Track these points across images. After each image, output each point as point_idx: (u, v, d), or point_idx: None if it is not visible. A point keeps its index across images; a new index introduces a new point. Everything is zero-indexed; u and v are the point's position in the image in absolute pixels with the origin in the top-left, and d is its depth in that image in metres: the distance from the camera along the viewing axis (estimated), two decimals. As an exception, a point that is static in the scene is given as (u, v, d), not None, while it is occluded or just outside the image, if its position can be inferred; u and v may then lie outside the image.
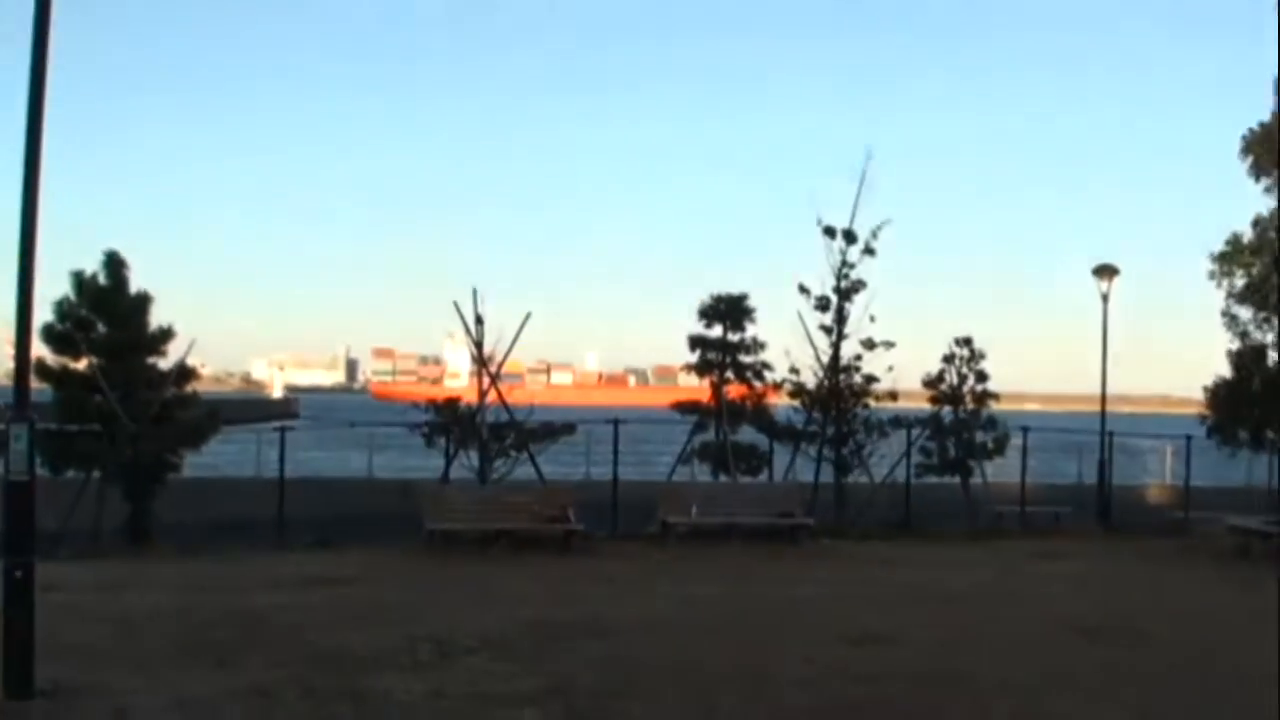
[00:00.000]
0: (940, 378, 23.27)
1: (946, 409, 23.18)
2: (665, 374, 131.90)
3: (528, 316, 20.33)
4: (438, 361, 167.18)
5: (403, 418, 20.62)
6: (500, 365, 21.11)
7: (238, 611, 12.08)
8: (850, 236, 22.03)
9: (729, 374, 21.83)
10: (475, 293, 19.99)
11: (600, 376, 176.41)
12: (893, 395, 22.10)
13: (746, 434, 21.98)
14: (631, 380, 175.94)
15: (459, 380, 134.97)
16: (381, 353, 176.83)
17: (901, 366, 21.94)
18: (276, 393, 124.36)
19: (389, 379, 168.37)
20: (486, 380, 20.33)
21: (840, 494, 21.75)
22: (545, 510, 18.26)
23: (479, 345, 20.23)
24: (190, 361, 19.01)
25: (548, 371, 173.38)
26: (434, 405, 20.25)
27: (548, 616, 11.98)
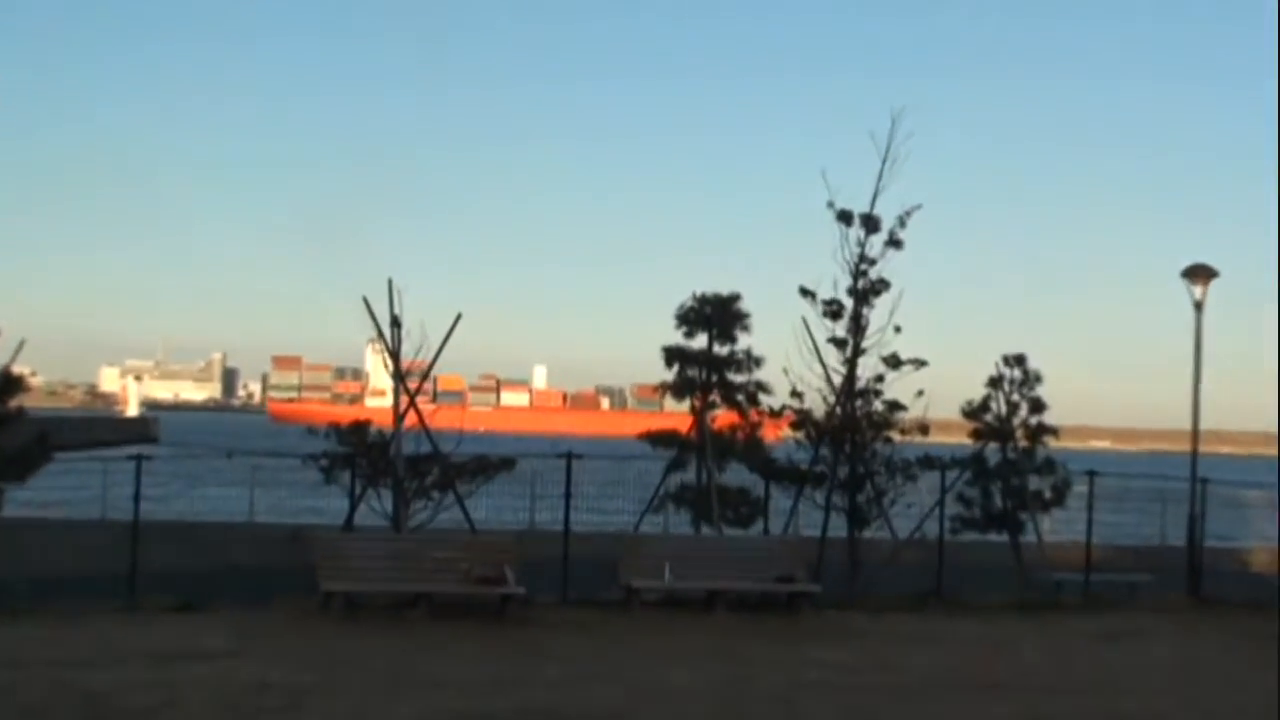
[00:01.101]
0: (984, 406, 23.41)
1: (992, 446, 23.32)
2: (647, 396, 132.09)
3: (458, 318, 20.19)
4: (358, 375, 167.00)
5: (300, 446, 20.54)
6: (423, 380, 21.06)
7: (71, 692, 11.99)
8: (871, 224, 21.95)
9: (714, 397, 21.88)
10: (392, 287, 19.93)
11: (565, 397, 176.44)
12: (923, 428, 22.04)
13: (736, 474, 22.03)
14: (605, 403, 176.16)
15: (386, 399, 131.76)
16: (284, 363, 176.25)
17: (935, 391, 21.93)
18: (131, 410, 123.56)
19: (293, 396, 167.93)
20: (405, 399, 20.26)
21: (854, 553, 21.77)
22: (476, 568, 18.23)
23: (394, 355, 20.15)
24: (16, 369, 18.81)
25: (496, 390, 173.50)
26: (336, 430, 20.16)
27: (477, 708, 11.95)
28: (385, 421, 20.35)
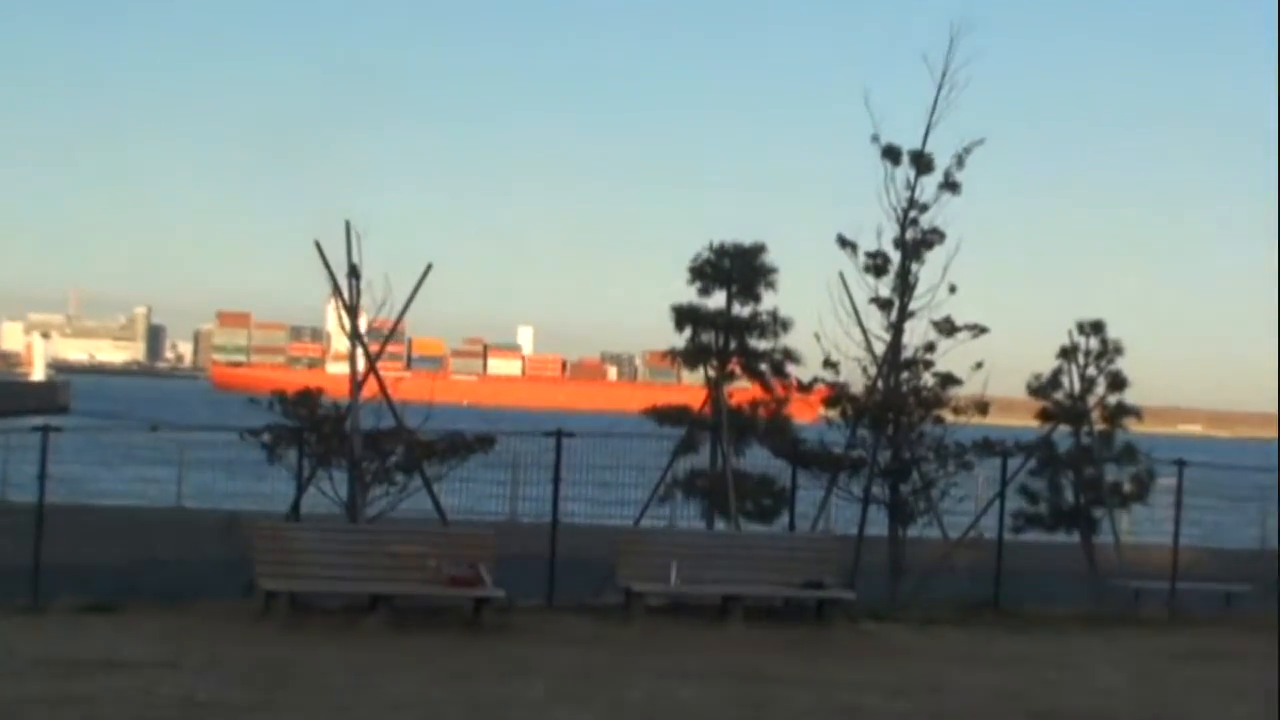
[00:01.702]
0: (1054, 382, 23.36)
1: (1062, 430, 23.30)
2: (662, 365, 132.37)
3: (429, 269, 20.17)
4: (317, 336, 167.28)
5: (244, 419, 20.55)
6: (386, 341, 20.98)
7: (-34, 709, 11.99)
8: (923, 162, 22.05)
9: (733, 366, 21.88)
10: (350, 231, 19.81)
11: (565, 366, 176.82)
12: (981, 407, 22.14)
13: (757, 458, 22.06)
14: (612, 372, 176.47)
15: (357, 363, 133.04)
16: (230, 320, 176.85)
17: (996, 364, 22.00)
18: (37, 373, 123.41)
19: (240, 359, 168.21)
20: (363, 363, 20.26)
21: (896, 555, 21.85)
22: (447, 566, 18.22)
23: (351, 311, 20.12)
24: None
25: (483, 356, 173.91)
26: (280, 399, 20.14)
27: (445, 731, 11.98)
28: (347, 390, 20.29)
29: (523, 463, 25.62)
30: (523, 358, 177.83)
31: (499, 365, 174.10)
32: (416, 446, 19.91)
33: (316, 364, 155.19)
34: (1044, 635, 19.58)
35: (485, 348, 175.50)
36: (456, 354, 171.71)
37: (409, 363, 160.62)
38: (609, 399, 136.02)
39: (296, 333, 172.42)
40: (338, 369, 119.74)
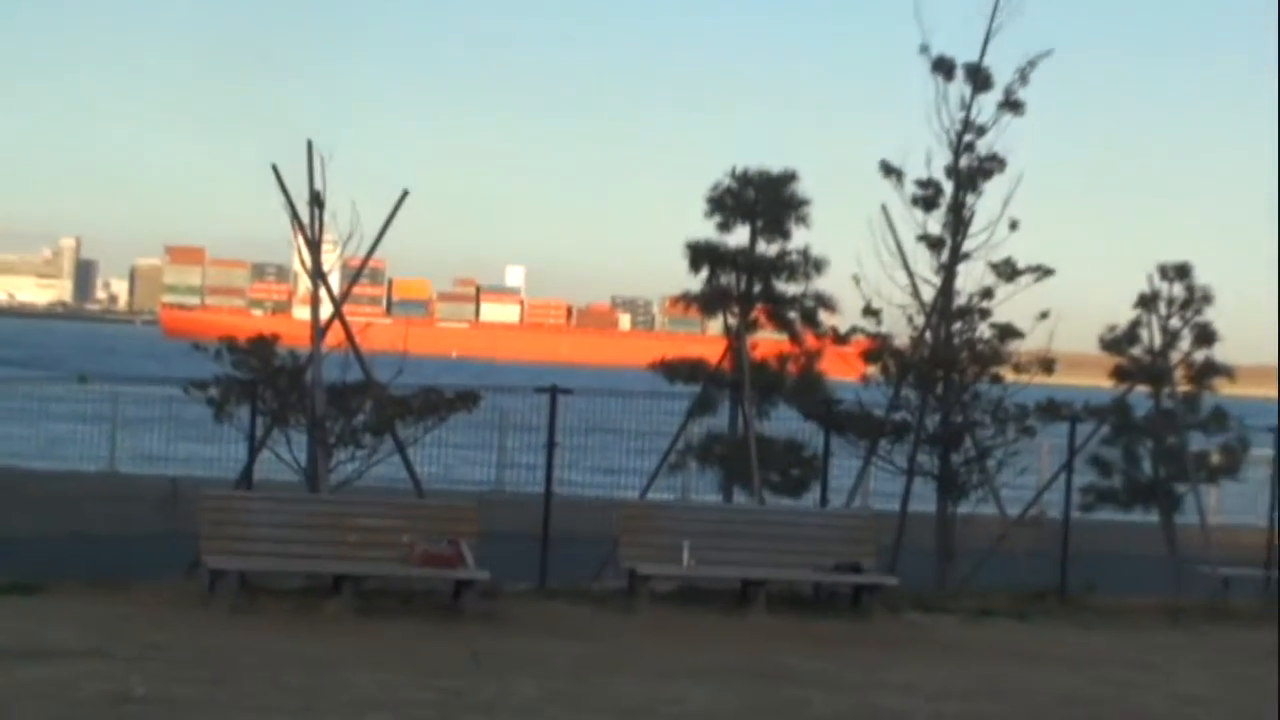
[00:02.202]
0: (1131, 335, 23.32)
1: (1140, 391, 23.21)
2: (684, 313, 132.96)
3: (404, 196, 20.18)
4: (283, 275, 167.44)
5: (194, 371, 20.53)
6: (354, 280, 20.97)
7: None
8: (980, 78, 22.11)
9: (757, 314, 21.93)
10: (311, 152, 19.79)
11: (570, 312, 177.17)
12: (1046, 364, 22.20)
13: (784, 421, 22.20)
14: (625, 320, 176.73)
15: (323, 309, 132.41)
16: (182, 256, 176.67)
17: (1063, 313, 22.04)
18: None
19: (193, 301, 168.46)
20: (327, 307, 20.25)
21: (946, 534, 21.88)
22: (422, 543, 18.18)
23: (313, 245, 20.11)
24: None
25: (476, 300, 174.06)
26: (230, 348, 20.10)
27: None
28: (286, 339, 20.29)
29: (511, 424, 25.54)
30: (521, 302, 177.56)
31: (493, 311, 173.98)
32: (388, 404, 19.87)
33: (282, 308, 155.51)
34: (1117, 629, 19.57)
35: (478, 290, 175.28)
36: (444, 298, 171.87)
37: (389, 307, 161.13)
38: (621, 351, 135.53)
39: (259, 271, 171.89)
40: (307, 314, 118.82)
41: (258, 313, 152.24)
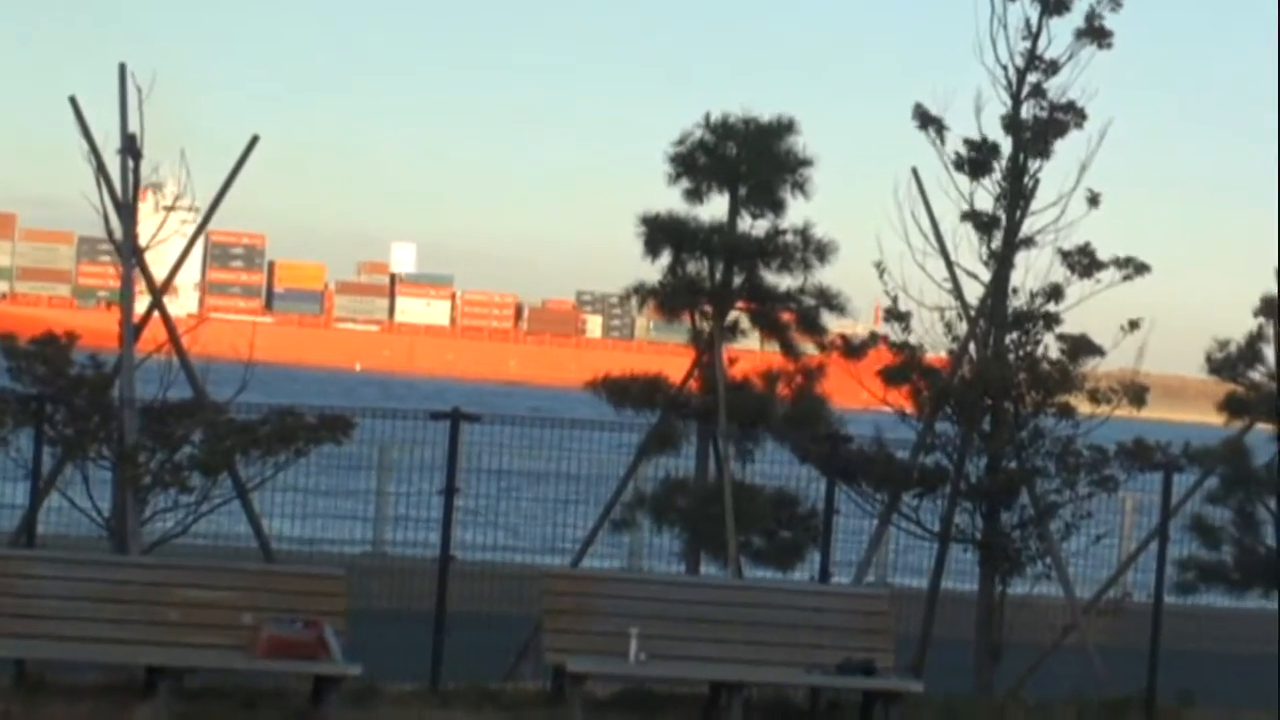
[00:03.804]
0: (1251, 354, 23.32)
1: (1261, 430, 23.25)
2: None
3: (253, 142, 20.48)
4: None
5: None
6: (184, 256, 21.22)
7: None
8: (1051, -1, 22.15)
9: (737, 314, 22.09)
10: (125, 79, 19.96)
11: (519, 312, 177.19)
12: (1135, 393, 22.24)
13: (772, 464, 22.24)
14: (594, 325, 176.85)
15: (180, 301, 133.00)
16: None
17: (1159, 324, 22.12)
18: None
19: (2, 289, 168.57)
20: (144, 298, 20.29)
21: (992, 623, 21.92)
22: (270, 625, 18.11)
23: (125, 207, 20.22)
24: None
25: (390, 293, 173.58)
26: (9, 351, 20.21)
27: None
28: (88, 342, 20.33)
29: (397, 462, 25.44)
30: (455, 296, 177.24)
31: (414, 309, 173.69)
32: (225, 431, 19.92)
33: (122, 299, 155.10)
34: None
35: (393, 279, 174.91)
36: (345, 289, 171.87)
37: (269, 300, 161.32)
38: (588, 366, 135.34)
39: (90, 249, 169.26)
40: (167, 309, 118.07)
41: (88, 304, 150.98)
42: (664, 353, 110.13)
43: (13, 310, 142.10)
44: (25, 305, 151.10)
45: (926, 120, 21.94)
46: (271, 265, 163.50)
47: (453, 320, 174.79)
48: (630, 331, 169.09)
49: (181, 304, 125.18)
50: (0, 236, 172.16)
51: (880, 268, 21.86)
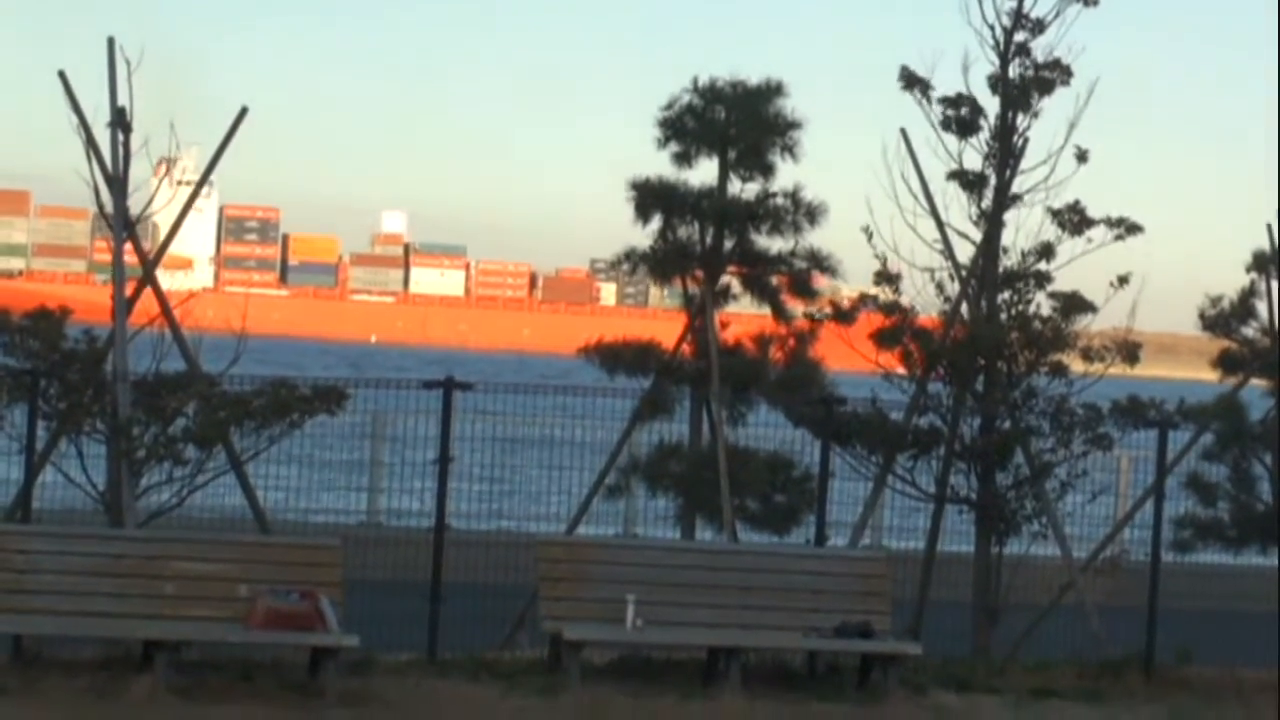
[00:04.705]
0: (1245, 310, 23.34)
1: (1256, 386, 23.31)
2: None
3: (242, 114, 20.45)
4: (142, 231, 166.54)
5: None
6: (179, 221, 21.50)
7: None
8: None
9: (729, 279, 22.07)
10: (113, 53, 19.91)
11: (533, 280, 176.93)
12: (1128, 350, 22.25)
13: (766, 428, 22.29)
14: (609, 293, 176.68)
15: (195, 276, 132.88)
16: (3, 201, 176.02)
17: (1151, 281, 22.16)
18: None
19: (16, 266, 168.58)
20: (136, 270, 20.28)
21: (989, 584, 21.95)
22: (267, 597, 18.17)
23: (116, 181, 20.24)
24: None
25: (404, 264, 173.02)
26: (2, 325, 20.16)
27: None
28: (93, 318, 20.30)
29: (392, 433, 25.44)
30: (469, 266, 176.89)
31: (428, 279, 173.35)
32: (219, 404, 19.88)
33: (136, 273, 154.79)
34: (1222, 711, 19.66)
35: (407, 250, 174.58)
36: (360, 260, 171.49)
37: (284, 273, 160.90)
38: (603, 334, 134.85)
39: (105, 225, 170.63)
40: (174, 281, 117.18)
41: (103, 280, 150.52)
42: (678, 320, 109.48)
43: (29, 287, 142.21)
44: (42, 281, 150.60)
45: (912, 81, 21.93)
46: (285, 238, 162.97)
47: (467, 290, 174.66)
48: (645, 299, 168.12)
49: (197, 278, 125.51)
50: (16, 213, 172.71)
51: (869, 231, 21.85)
